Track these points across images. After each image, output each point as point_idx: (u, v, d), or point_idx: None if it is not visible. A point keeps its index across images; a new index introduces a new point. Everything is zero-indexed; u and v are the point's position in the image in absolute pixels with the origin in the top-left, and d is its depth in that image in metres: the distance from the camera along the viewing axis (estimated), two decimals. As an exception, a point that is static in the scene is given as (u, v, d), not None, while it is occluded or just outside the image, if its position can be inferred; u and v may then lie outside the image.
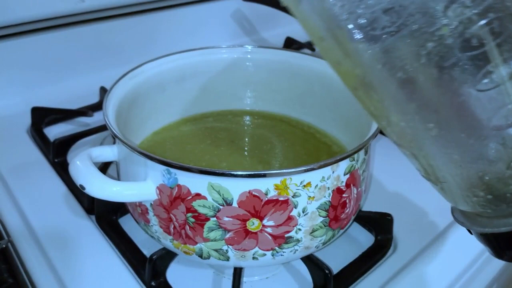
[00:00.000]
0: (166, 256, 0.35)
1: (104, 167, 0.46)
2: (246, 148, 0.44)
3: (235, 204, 0.29)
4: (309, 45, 0.75)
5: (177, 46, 0.46)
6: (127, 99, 0.39)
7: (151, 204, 0.32)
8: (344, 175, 0.32)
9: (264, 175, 0.28)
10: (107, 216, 0.41)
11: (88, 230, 0.40)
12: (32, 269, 0.36)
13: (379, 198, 0.45)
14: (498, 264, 0.45)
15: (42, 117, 0.55)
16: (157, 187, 0.31)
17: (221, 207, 0.29)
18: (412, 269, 0.38)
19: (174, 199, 0.30)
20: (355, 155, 0.32)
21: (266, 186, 0.29)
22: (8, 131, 0.53)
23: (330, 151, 0.44)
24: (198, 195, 0.29)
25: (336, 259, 0.38)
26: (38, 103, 0.55)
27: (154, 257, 0.35)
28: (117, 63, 0.57)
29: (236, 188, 0.29)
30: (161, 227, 0.32)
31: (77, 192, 0.43)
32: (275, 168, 0.41)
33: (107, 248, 0.39)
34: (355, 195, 0.34)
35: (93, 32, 0.62)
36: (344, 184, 0.32)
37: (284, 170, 0.28)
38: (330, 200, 0.31)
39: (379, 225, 0.41)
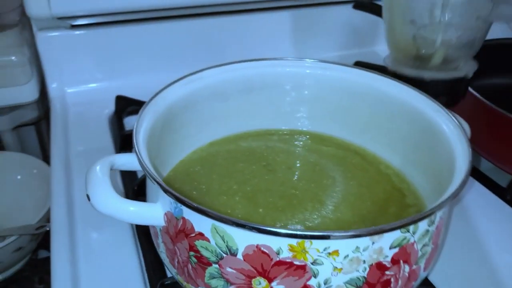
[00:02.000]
0: (177, 286, 0.31)
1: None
2: (301, 179, 0.38)
3: (240, 256, 0.24)
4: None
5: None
6: (179, 104, 0.36)
7: (160, 229, 0.28)
8: (391, 248, 0.24)
9: (275, 233, 0.22)
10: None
11: (123, 231, 0.38)
12: (54, 256, 0.35)
13: (449, 271, 0.35)
14: None
15: (124, 106, 0.55)
16: (165, 214, 0.27)
17: (224, 255, 0.24)
18: None
19: (179, 232, 0.26)
20: (411, 227, 0.24)
21: (278, 245, 0.23)
22: (92, 115, 0.55)
23: (403, 203, 0.36)
24: (201, 235, 0.25)
25: None
26: (125, 92, 0.56)
27: (166, 282, 0.31)
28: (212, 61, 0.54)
29: (242, 238, 0.24)
30: (167, 256, 0.29)
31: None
32: (327, 209, 0.34)
33: (133, 253, 0.36)
34: (407, 273, 0.26)
35: (195, 27, 0.61)
36: (389, 259, 0.25)
37: (299, 232, 0.22)
38: (366, 276, 0.24)
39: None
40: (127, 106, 0.55)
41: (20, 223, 0.58)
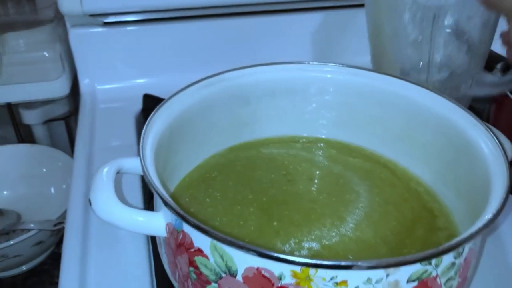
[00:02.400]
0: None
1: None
2: (322, 192, 0.35)
3: (239, 278, 0.22)
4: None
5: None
6: (197, 107, 0.35)
7: (163, 239, 0.27)
8: (408, 282, 0.22)
9: (275, 258, 0.20)
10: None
11: (138, 237, 0.37)
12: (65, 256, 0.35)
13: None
14: None
15: (151, 105, 0.55)
16: (167, 225, 0.25)
17: (223, 274, 0.23)
18: None
19: (179, 245, 0.25)
20: (433, 260, 0.21)
21: (280, 270, 0.21)
22: (119, 112, 0.55)
23: (432, 225, 0.32)
24: (200, 251, 0.23)
25: None
26: (154, 91, 0.55)
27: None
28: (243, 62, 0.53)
29: (242, 259, 0.22)
30: (169, 268, 0.27)
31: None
32: (347, 227, 0.32)
33: (145, 260, 0.35)
34: (428, 310, 0.23)
35: (226, 26, 0.59)
36: (406, 293, 0.22)
37: (300, 259, 0.20)
38: (378, 311, 0.22)
39: None
40: (154, 104, 0.54)
41: (44, 217, 0.58)
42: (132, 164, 0.29)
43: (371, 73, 0.36)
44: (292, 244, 0.30)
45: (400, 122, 0.36)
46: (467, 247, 0.24)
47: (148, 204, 0.39)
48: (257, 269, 0.21)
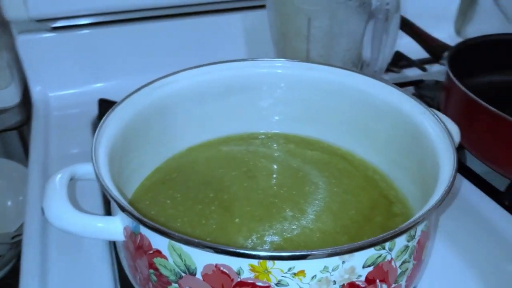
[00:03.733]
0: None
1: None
2: (282, 186, 0.36)
3: (199, 276, 0.22)
4: (421, 64, 0.62)
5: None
6: (152, 108, 0.35)
7: (122, 244, 0.26)
8: (364, 267, 0.22)
9: (231, 253, 0.20)
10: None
11: (100, 244, 0.36)
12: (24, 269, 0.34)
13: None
14: None
15: (108, 110, 0.54)
16: (125, 228, 0.25)
17: (183, 274, 0.22)
18: None
19: (138, 248, 0.24)
20: (387, 244, 0.22)
21: (239, 265, 0.21)
22: (74, 119, 0.53)
23: (389, 212, 0.33)
24: (159, 252, 0.23)
25: None
26: (109, 95, 0.54)
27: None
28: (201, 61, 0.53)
29: (200, 257, 0.22)
30: (130, 272, 0.27)
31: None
32: (308, 219, 0.32)
33: (108, 267, 0.35)
34: (386, 293, 0.24)
35: (179, 27, 0.59)
36: (363, 279, 0.22)
37: (259, 253, 0.20)
38: (337, 297, 0.22)
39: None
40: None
41: (2, 230, 0.56)
42: (86, 170, 0.29)
43: (322, 66, 0.37)
44: (254, 239, 0.31)
45: (354, 113, 0.37)
46: (419, 230, 0.24)
47: (108, 210, 0.39)
48: (216, 265, 0.21)
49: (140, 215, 0.22)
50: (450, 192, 0.24)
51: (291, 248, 0.30)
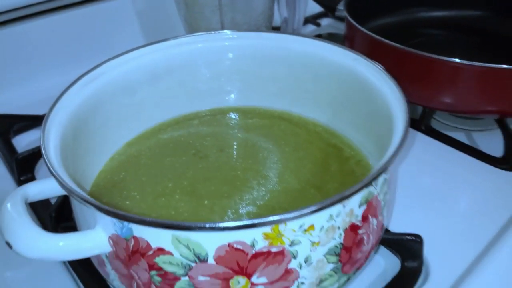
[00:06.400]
0: None
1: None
2: (237, 159, 0.36)
3: (211, 261, 0.21)
4: (314, 19, 0.65)
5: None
6: (84, 108, 0.32)
7: (106, 255, 0.24)
8: (360, 206, 0.24)
9: (248, 226, 0.20)
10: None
11: (52, 265, 0.33)
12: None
13: (404, 216, 0.37)
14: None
15: (8, 125, 0.48)
16: (110, 238, 0.23)
17: (193, 264, 0.22)
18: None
19: (133, 253, 0.23)
20: (375, 180, 0.24)
21: (252, 236, 0.21)
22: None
23: (341, 156, 0.35)
24: (161, 250, 0.22)
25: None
26: (5, 109, 0.48)
27: None
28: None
29: (211, 241, 0.21)
30: (122, 283, 0.25)
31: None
32: (273, 182, 0.33)
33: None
34: (375, 226, 0.26)
35: (56, 24, 0.53)
36: (360, 218, 0.24)
37: (273, 218, 0.20)
38: (342, 242, 0.23)
39: (406, 249, 0.33)
40: (11, 124, 0.48)
41: None
42: (38, 188, 0.25)
43: (253, 33, 0.37)
44: (230, 215, 0.30)
45: (290, 76, 0.38)
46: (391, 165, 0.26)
47: (56, 229, 0.35)
48: (229, 245, 0.21)
49: (136, 215, 0.20)
50: (408, 132, 0.26)
51: (267, 212, 0.30)
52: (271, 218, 0.20)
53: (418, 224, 0.35)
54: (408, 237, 0.32)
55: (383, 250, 0.34)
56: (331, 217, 0.22)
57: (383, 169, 0.23)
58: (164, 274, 0.22)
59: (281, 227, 0.21)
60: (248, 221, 0.20)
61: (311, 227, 0.22)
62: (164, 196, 0.32)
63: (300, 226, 0.21)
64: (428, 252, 0.33)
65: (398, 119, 0.27)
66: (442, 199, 0.38)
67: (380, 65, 0.33)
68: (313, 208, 0.20)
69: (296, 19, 0.41)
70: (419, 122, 0.47)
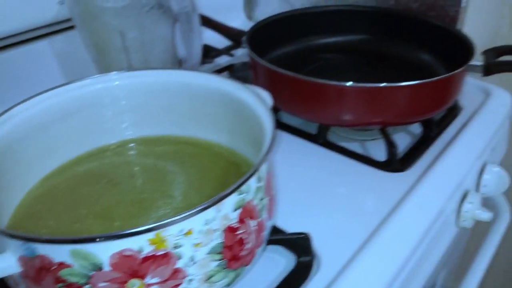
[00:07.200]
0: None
1: None
2: (147, 182, 0.40)
3: (107, 268, 0.25)
4: (228, 51, 0.71)
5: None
6: (-3, 150, 0.35)
7: (18, 275, 0.28)
8: (235, 210, 0.29)
9: (132, 234, 0.24)
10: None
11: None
12: None
13: (301, 217, 0.42)
14: (434, 259, 0.44)
15: None
16: (19, 259, 0.26)
17: (91, 273, 0.26)
18: (340, 284, 0.36)
19: (40, 270, 0.26)
20: (244, 187, 0.29)
21: (139, 244, 0.25)
22: None
23: (239, 172, 0.41)
24: (62, 264, 0.25)
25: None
26: None
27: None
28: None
29: (103, 251, 0.25)
30: (36, 299, 0.28)
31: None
32: (177, 200, 0.37)
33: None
34: (255, 227, 0.31)
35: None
36: (236, 220, 0.29)
37: (151, 225, 0.25)
38: (223, 241, 0.28)
39: (299, 246, 0.38)
40: None
41: None
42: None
43: (150, 71, 0.41)
44: (138, 232, 0.34)
45: (187, 105, 0.43)
46: (263, 172, 0.32)
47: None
48: (119, 252, 0.25)
49: (34, 235, 0.24)
50: (274, 143, 0.32)
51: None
52: (148, 226, 0.24)
53: (311, 224, 0.41)
54: (299, 236, 0.38)
55: (282, 249, 0.39)
56: (206, 222, 0.27)
57: (247, 178, 0.28)
58: (69, 285, 0.26)
59: (163, 233, 0.26)
60: (131, 229, 0.24)
61: (189, 231, 0.26)
62: (78, 222, 0.35)
63: (180, 231, 0.26)
64: (320, 246, 0.39)
65: (267, 136, 0.33)
66: (335, 200, 0.45)
67: (260, 88, 0.39)
68: (186, 214, 0.25)
69: (193, 55, 0.46)
70: (316, 137, 0.53)
